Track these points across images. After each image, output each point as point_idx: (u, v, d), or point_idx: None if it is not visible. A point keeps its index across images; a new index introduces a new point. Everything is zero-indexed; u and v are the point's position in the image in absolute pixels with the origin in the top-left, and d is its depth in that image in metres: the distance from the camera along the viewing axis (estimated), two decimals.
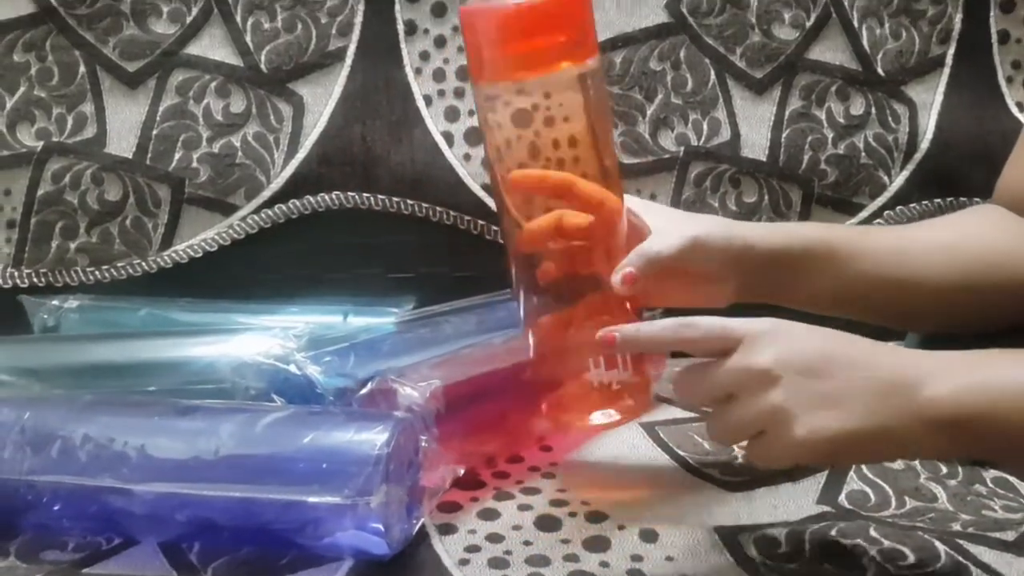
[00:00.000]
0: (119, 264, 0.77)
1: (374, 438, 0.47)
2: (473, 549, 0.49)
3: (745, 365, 0.46)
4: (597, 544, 0.50)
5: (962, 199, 0.80)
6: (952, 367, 0.47)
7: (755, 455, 0.47)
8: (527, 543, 0.50)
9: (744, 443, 0.48)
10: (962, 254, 0.61)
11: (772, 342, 0.46)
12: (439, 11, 0.79)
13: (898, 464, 0.58)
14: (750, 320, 0.47)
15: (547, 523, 0.52)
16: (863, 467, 0.58)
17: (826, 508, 0.54)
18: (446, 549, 0.49)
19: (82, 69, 0.78)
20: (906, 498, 0.55)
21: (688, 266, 0.55)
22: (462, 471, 0.54)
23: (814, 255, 0.59)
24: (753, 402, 0.45)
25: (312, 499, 0.46)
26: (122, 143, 0.77)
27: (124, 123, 0.77)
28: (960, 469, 0.58)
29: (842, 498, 0.55)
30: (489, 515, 0.52)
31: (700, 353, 0.48)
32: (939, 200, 0.80)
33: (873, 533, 0.50)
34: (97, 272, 0.77)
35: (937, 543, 0.49)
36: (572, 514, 0.53)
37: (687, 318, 0.48)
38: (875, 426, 0.45)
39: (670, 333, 0.48)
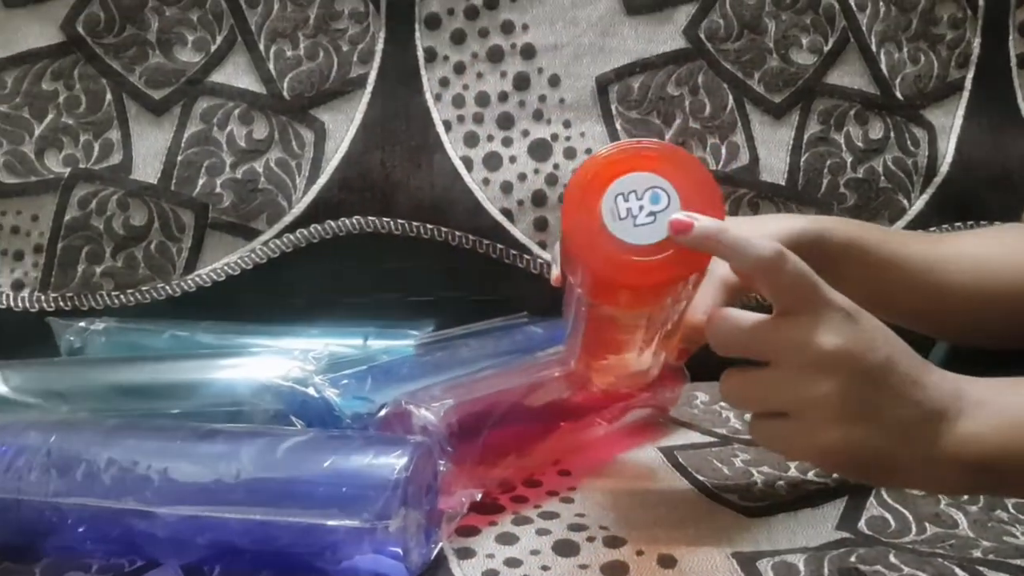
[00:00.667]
0: (144, 288, 0.78)
1: (393, 462, 0.47)
2: (491, 574, 0.49)
3: (811, 339, 0.41)
4: (615, 569, 0.50)
5: (982, 222, 0.80)
6: (990, 401, 0.44)
7: (767, 436, 0.44)
8: (545, 568, 0.50)
9: (751, 414, 0.44)
10: (993, 266, 0.60)
11: (849, 327, 0.42)
12: (459, 38, 0.80)
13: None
14: (836, 293, 0.43)
15: (565, 548, 0.52)
16: (883, 492, 0.57)
17: (845, 534, 0.54)
18: (464, 573, 0.49)
19: (109, 97, 0.79)
20: (926, 524, 0.55)
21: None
22: (479, 495, 0.54)
23: (848, 254, 0.57)
24: (798, 380, 0.42)
25: (331, 523, 0.46)
26: (147, 169, 0.79)
27: (149, 150, 0.79)
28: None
29: (862, 524, 0.55)
30: (507, 539, 0.53)
31: (767, 294, 0.43)
32: (959, 224, 0.80)
33: (893, 560, 0.50)
34: (122, 296, 0.78)
35: (957, 570, 0.49)
36: (590, 539, 0.53)
37: (785, 251, 0.42)
38: (906, 453, 0.43)
39: (763, 252, 0.42)
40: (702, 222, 0.41)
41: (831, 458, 0.44)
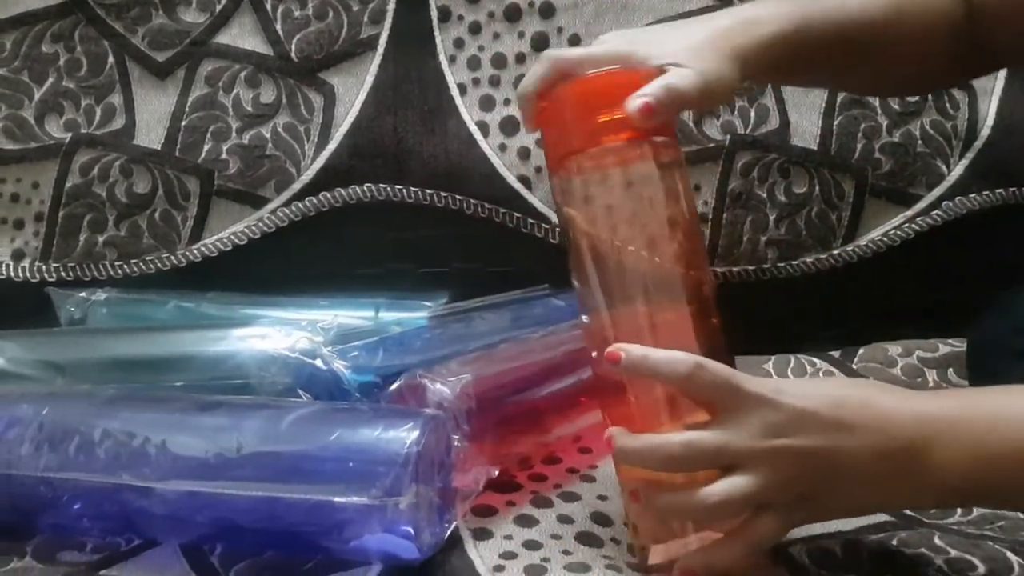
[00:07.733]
0: (148, 258, 0.76)
1: (403, 436, 0.45)
2: (509, 556, 0.47)
3: (746, 439, 0.43)
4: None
5: None
6: (961, 423, 0.44)
7: (755, 533, 0.43)
8: (567, 552, 0.47)
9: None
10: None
11: (776, 414, 0.43)
12: None
13: None
14: (754, 381, 0.44)
15: (587, 539, 0.49)
16: None
17: (886, 517, 0.50)
18: (481, 555, 0.47)
19: (111, 59, 0.76)
20: None
21: (705, 103, 0.50)
22: (496, 472, 0.51)
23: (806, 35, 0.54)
24: (764, 477, 0.42)
25: (338, 499, 0.44)
26: (151, 134, 0.76)
27: (153, 114, 0.76)
28: None
29: None
30: (527, 521, 0.50)
31: (697, 399, 0.44)
32: (1000, 190, 0.76)
33: (938, 542, 0.47)
34: (125, 266, 0.75)
35: (1009, 554, 0.46)
36: (615, 540, 0.49)
37: (701, 360, 0.43)
38: (887, 500, 0.45)
39: (679, 368, 0.43)
40: (629, 352, 0.44)
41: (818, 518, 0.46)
